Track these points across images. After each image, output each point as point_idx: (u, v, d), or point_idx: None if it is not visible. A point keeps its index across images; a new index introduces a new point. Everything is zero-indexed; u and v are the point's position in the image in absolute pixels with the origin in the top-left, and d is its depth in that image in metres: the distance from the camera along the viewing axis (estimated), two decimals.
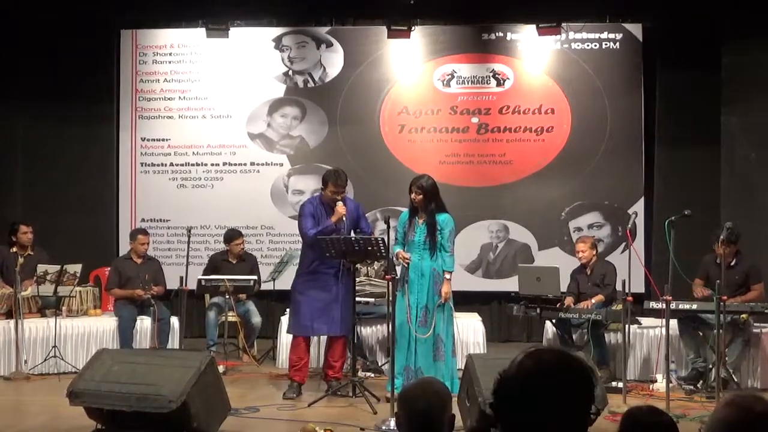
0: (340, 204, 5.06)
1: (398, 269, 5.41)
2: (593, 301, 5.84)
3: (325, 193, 5.13)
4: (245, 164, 7.69)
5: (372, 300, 6.02)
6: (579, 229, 7.47)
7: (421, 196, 5.15)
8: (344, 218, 5.08)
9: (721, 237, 5.26)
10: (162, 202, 7.68)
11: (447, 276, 5.14)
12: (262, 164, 7.69)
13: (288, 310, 6.21)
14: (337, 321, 5.08)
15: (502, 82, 7.57)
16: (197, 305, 7.14)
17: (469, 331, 6.22)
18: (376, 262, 6.43)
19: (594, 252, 6.10)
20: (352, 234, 5.15)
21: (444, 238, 5.15)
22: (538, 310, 5.78)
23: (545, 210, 7.50)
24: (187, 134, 7.71)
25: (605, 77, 7.48)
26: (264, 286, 6.65)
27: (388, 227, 4.93)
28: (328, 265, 5.04)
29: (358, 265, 6.38)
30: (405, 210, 5.40)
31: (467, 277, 7.38)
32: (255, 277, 6.28)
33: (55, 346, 5.89)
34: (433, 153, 7.59)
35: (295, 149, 7.72)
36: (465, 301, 6.56)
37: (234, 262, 6.70)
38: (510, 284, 6.94)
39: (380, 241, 4.87)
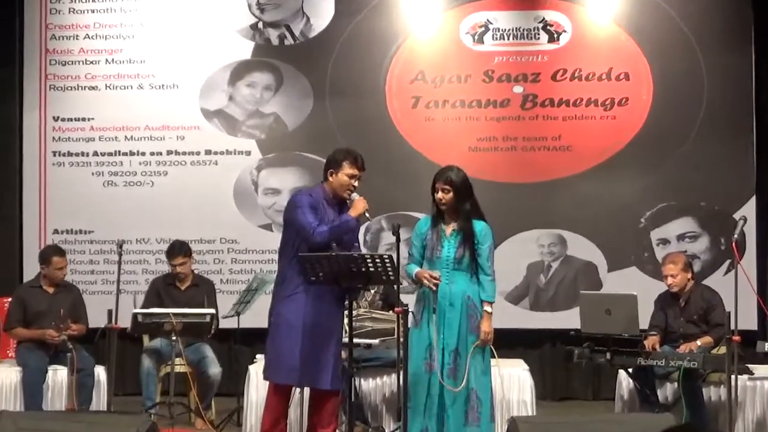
0: (357, 196, 5.02)
1: (412, 298, 5.40)
2: (699, 343, 5.82)
3: (337, 179, 5.04)
4: (198, 153, 7.71)
5: (375, 341, 6.00)
6: (665, 242, 7.47)
7: (450, 195, 5.13)
8: (367, 214, 5.03)
9: None
10: (82, 206, 7.70)
11: (488, 309, 5.11)
12: (222, 153, 7.71)
13: (259, 356, 6.18)
14: (327, 368, 5.04)
15: (555, 36, 7.58)
16: (132, 350, 7.14)
17: (513, 384, 6.19)
18: (367, 291, 6.38)
19: (689, 275, 6.08)
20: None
21: (483, 255, 5.12)
22: (609, 356, 5.76)
23: (617, 215, 7.50)
24: (117, 112, 7.73)
25: (701, 29, 7.48)
26: (224, 323, 6.65)
27: (398, 240, 4.92)
28: (322, 287, 5.01)
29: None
30: (423, 216, 5.39)
31: (509, 310, 7.37)
32: (212, 311, 6.28)
33: None
34: (460, 136, 7.59)
35: (267, 132, 7.73)
36: (506, 342, 6.53)
37: (182, 287, 6.71)
38: (568, 319, 6.92)
39: (387, 260, 4.86)
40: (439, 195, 5.15)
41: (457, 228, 5.14)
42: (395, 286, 5.04)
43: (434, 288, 5.10)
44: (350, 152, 5.09)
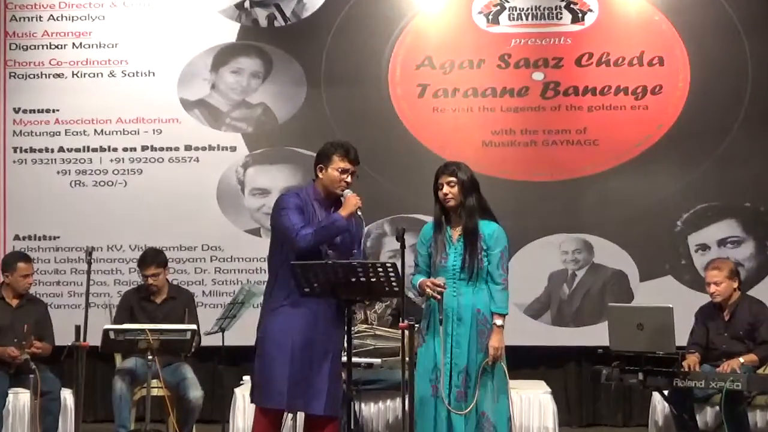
0: (350, 193, 5.00)
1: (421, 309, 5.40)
2: (742, 361, 5.82)
3: (327, 175, 5.01)
4: (177, 148, 7.71)
5: (378, 361, 6.00)
6: (704, 248, 7.46)
7: (456, 190, 5.14)
8: (359, 213, 5.01)
9: None
10: (47, 208, 7.70)
11: (498, 322, 5.10)
12: (204, 148, 7.71)
13: (246, 377, 6.18)
14: (321, 391, 5.02)
15: (580, 16, 7.58)
16: (104, 370, 7.14)
17: (533, 409, 6.20)
18: (378, 303, 6.37)
19: (735, 284, 6.08)
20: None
21: (494, 262, 5.12)
22: (641, 376, 5.75)
23: (650, 217, 7.49)
24: (85, 102, 7.74)
25: (745, 8, 7.48)
26: (207, 341, 6.64)
27: (403, 246, 4.91)
28: (317, 298, 5.00)
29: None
30: (429, 221, 5.40)
31: (528, 325, 7.38)
32: (193, 327, 6.27)
33: None
34: (472, 129, 7.59)
35: (254, 125, 7.74)
36: (525, 361, 6.52)
37: (158, 301, 6.70)
38: (595, 335, 6.93)
39: (390, 268, 4.85)
40: (445, 190, 5.14)
41: (463, 232, 5.13)
42: (403, 299, 5.03)
43: (438, 297, 5.09)
44: (341, 144, 5.07)
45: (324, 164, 5.02)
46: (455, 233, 5.18)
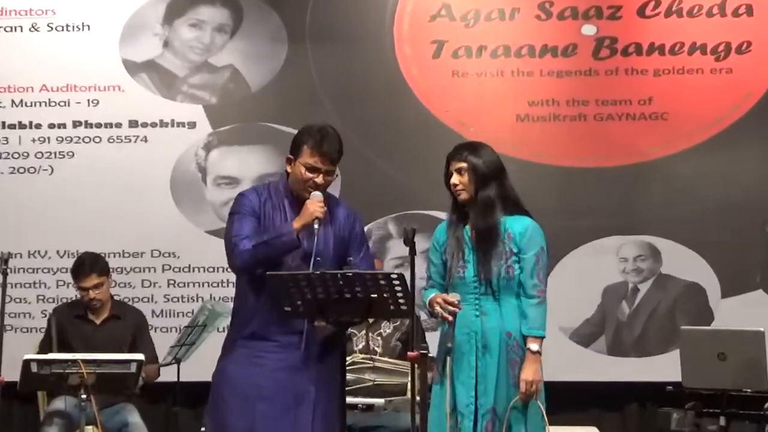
0: (316, 196, 4.96)
1: (434, 336, 5.38)
2: None
3: (293, 171, 5.00)
4: (119, 125, 7.72)
5: (380, 401, 6.01)
6: None
7: (467, 179, 5.13)
8: (316, 225, 4.95)
9: None
10: None
11: (533, 347, 5.07)
12: (154, 125, 7.72)
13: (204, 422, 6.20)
14: None
15: None
16: (24, 413, 7.15)
17: None
18: (385, 323, 6.36)
19: None
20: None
21: (527, 268, 5.11)
22: (723, 421, 5.76)
23: (735, 214, 7.50)
24: (0, 65, 7.76)
25: None
26: (160, 374, 6.66)
27: (412, 251, 4.90)
28: (288, 326, 5.01)
29: (351, 330, 6.35)
30: (445, 219, 5.39)
31: (577, 354, 7.41)
32: (140, 357, 6.28)
33: None
34: (503, 99, 7.60)
35: (220, 94, 7.76)
36: (573, 401, 6.52)
37: (97, 321, 6.72)
38: (664, 368, 6.96)
39: (395, 280, 4.84)
40: (454, 179, 5.11)
41: (481, 233, 5.11)
42: (413, 320, 5.02)
43: (450, 319, 5.07)
44: (318, 131, 4.94)
45: (294, 155, 4.96)
46: (473, 231, 5.16)
